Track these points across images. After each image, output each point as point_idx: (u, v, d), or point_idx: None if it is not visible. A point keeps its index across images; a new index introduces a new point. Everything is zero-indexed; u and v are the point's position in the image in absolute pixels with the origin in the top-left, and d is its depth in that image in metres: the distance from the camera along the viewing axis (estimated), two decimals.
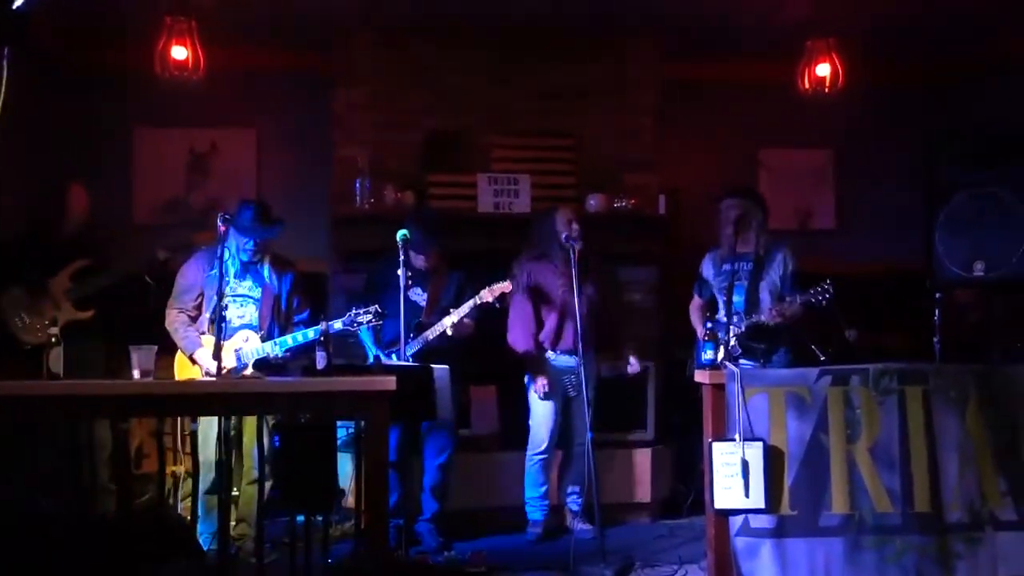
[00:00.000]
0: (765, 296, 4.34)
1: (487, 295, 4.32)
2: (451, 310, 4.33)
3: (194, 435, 3.64)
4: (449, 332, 4.29)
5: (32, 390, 3.25)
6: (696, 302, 4.68)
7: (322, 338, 3.55)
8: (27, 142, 5.12)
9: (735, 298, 4.33)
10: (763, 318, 4.24)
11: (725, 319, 4.20)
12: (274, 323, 4.24)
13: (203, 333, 4.17)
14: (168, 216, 5.73)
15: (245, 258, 4.22)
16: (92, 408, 3.28)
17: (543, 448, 4.66)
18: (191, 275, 4.24)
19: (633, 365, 4.78)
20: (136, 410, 3.41)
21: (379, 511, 3.29)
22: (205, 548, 3.75)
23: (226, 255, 4.10)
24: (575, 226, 4.49)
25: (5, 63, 2.22)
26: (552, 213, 4.66)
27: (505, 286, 4.34)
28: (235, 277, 4.20)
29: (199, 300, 4.22)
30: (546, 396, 4.62)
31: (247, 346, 4.14)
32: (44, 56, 5.25)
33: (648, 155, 5.69)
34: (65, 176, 4.92)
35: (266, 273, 4.27)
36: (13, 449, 3.81)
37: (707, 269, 4.58)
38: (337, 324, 4.01)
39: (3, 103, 2.26)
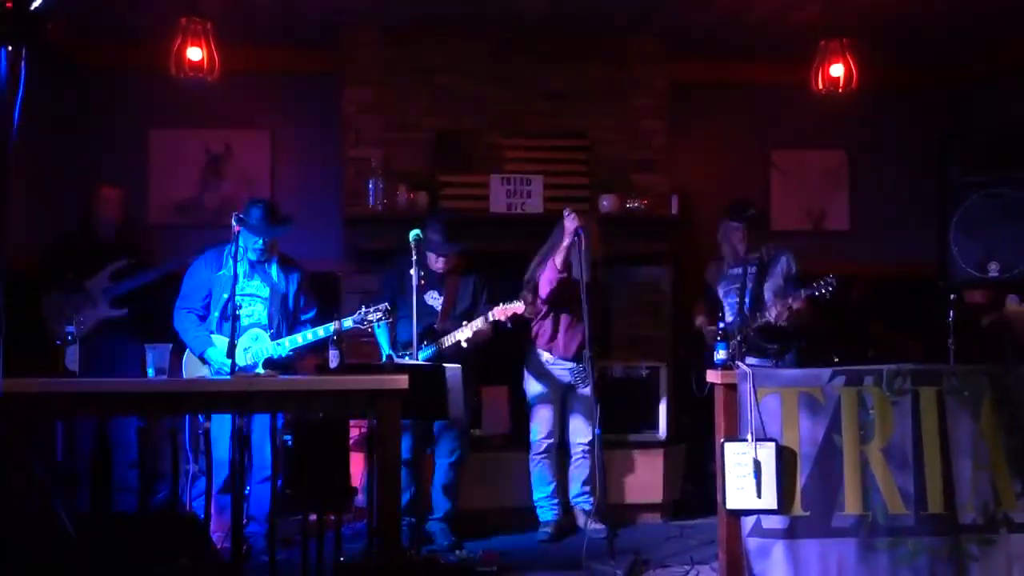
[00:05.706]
0: (768, 296, 4.50)
1: (500, 314, 4.25)
2: (464, 323, 4.30)
3: (208, 433, 3.66)
4: (464, 344, 4.27)
5: (48, 388, 3.28)
6: (700, 307, 4.83)
7: (335, 337, 3.57)
8: (44, 143, 5.17)
9: (743, 300, 4.51)
10: (770, 318, 4.35)
11: (735, 318, 4.27)
12: (283, 322, 4.26)
13: (212, 332, 4.18)
14: (183, 217, 5.77)
15: (254, 257, 4.24)
16: (108, 406, 3.32)
17: (543, 447, 4.67)
18: (199, 274, 4.25)
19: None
20: (152, 408, 3.44)
21: (391, 510, 3.31)
22: (218, 546, 3.77)
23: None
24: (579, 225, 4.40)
25: (23, 64, 2.24)
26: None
27: (518, 307, 4.27)
28: (243, 276, 4.21)
29: (208, 300, 4.23)
30: (542, 394, 4.65)
31: (257, 345, 4.16)
32: (61, 57, 5.30)
33: (659, 156, 5.68)
34: (90, 179, 4.97)
35: (274, 272, 4.29)
36: (29, 445, 3.85)
37: (711, 277, 4.77)
38: (348, 322, 4.02)
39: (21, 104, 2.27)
